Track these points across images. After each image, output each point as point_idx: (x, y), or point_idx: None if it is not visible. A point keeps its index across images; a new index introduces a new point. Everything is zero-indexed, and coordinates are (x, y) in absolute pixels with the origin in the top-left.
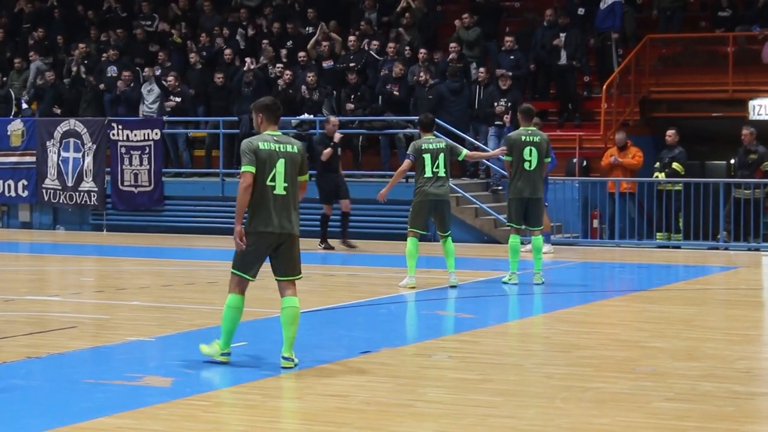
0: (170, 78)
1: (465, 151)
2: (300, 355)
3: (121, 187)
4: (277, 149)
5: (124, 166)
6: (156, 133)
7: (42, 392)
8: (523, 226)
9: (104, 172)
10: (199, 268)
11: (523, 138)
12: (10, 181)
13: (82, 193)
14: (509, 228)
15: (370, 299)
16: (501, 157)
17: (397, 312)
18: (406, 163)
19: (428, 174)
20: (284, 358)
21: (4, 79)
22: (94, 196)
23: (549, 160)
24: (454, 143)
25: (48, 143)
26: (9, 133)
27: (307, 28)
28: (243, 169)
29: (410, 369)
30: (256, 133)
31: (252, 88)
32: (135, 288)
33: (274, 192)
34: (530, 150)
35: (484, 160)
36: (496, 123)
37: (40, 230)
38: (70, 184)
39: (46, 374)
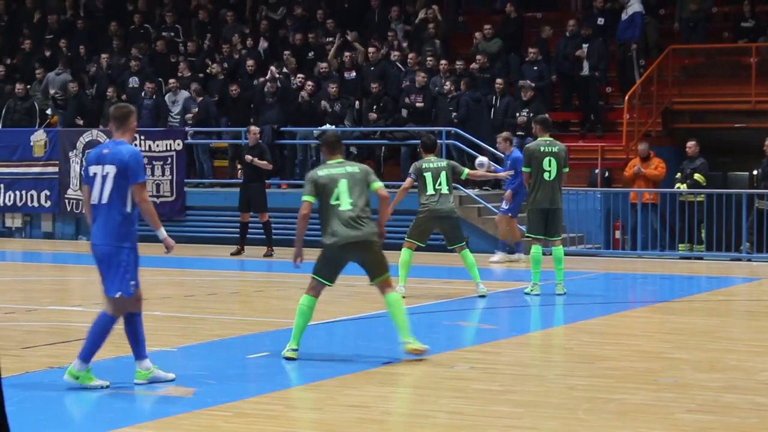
0: (193, 88)
1: (466, 170)
2: (321, 365)
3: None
4: (337, 172)
5: (146, 177)
6: (178, 144)
7: (64, 402)
8: (545, 237)
9: None
10: (221, 278)
11: (542, 149)
12: (33, 192)
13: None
14: (530, 239)
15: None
16: (521, 169)
17: (418, 323)
18: (408, 181)
19: (430, 191)
20: (404, 342)
21: (28, 86)
22: None
23: (567, 170)
24: (456, 163)
25: (71, 154)
26: (32, 143)
27: (328, 39)
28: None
29: (432, 380)
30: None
31: (276, 99)
32: (157, 298)
33: (340, 208)
34: (549, 160)
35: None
36: (517, 134)
37: (63, 240)
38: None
39: (68, 384)
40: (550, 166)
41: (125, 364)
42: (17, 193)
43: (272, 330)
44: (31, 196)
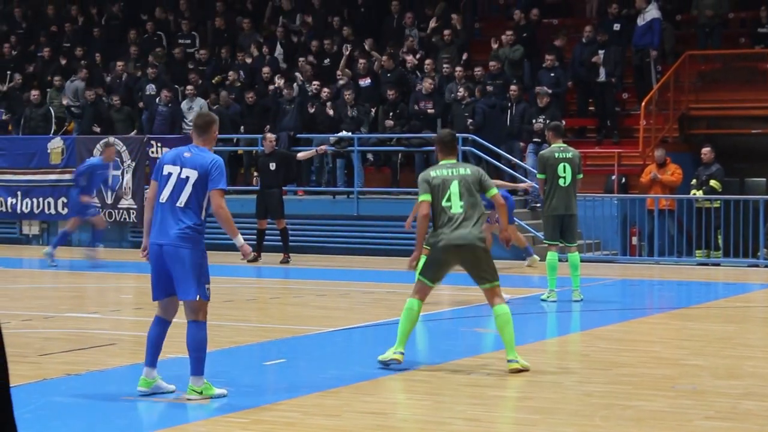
0: (212, 98)
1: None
2: (339, 372)
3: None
4: (450, 174)
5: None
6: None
7: (81, 409)
8: (561, 243)
9: (143, 189)
10: (238, 285)
11: (556, 155)
12: (50, 199)
13: (121, 211)
14: (547, 246)
15: None
16: (537, 175)
17: (435, 329)
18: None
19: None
20: (509, 360)
21: (47, 90)
22: (133, 213)
23: (581, 176)
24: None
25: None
26: (49, 150)
27: (345, 46)
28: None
29: (449, 387)
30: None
31: (294, 106)
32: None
33: (451, 211)
34: (564, 166)
35: (519, 176)
36: (534, 140)
37: (80, 247)
38: (109, 201)
39: (85, 391)
40: (564, 172)
41: (141, 372)
42: (34, 200)
43: (289, 337)
44: (48, 203)
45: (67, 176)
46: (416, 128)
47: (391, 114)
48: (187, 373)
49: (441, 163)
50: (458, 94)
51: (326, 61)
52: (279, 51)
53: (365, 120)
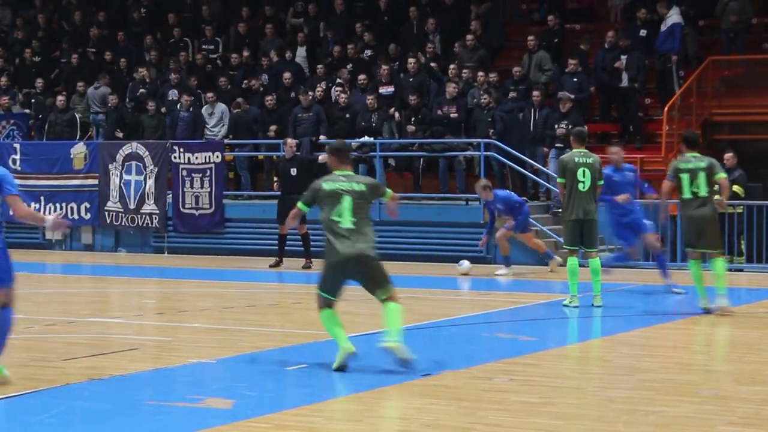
0: (235, 102)
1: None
2: (361, 377)
3: (182, 209)
4: (343, 187)
5: (185, 189)
6: (217, 156)
7: (104, 414)
8: (581, 248)
9: (165, 194)
10: (260, 290)
11: (576, 159)
12: (73, 204)
13: (143, 216)
14: (567, 251)
15: (430, 321)
16: (557, 180)
17: (457, 334)
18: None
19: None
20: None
21: (72, 95)
22: (155, 218)
23: (602, 182)
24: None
25: (110, 166)
26: (72, 156)
27: (366, 52)
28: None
29: (471, 392)
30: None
31: (312, 113)
32: (196, 310)
33: (341, 226)
34: (584, 171)
35: (541, 181)
36: (556, 145)
37: (103, 252)
38: (132, 206)
39: (108, 396)
40: (584, 177)
41: (163, 377)
42: (57, 205)
43: (311, 342)
44: (72, 208)
45: (90, 181)
46: (438, 133)
47: (413, 119)
48: (207, 376)
49: (335, 173)
50: (482, 99)
51: (349, 66)
52: (302, 56)
53: (386, 125)
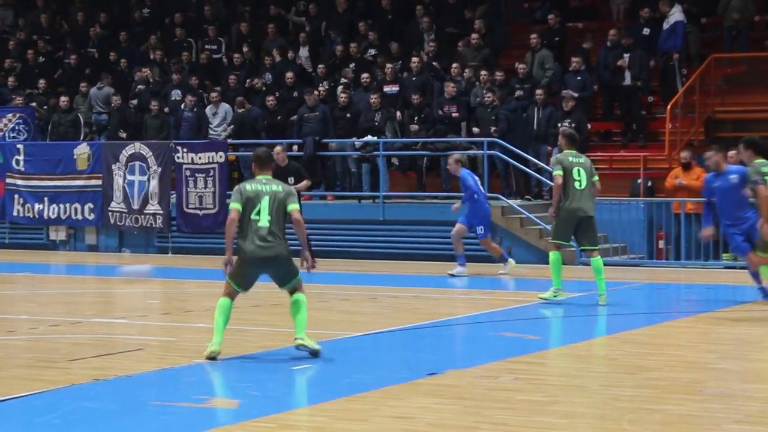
0: (238, 101)
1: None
2: (366, 376)
3: (185, 209)
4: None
5: (188, 189)
6: (220, 156)
7: (110, 415)
8: (572, 245)
9: (169, 194)
10: (264, 290)
11: (570, 159)
12: (77, 204)
13: (147, 216)
14: (553, 245)
15: (433, 321)
16: (552, 172)
17: (461, 334)
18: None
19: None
20: (297, 338)
21: (75, 96)
22: (159, 218)
23: (597, 179)
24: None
25: (114, 166)
26: (75, 156)
27: (369, 51)
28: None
29: (476, 391)
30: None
31: (318, 112)
32: (201, 310)
33: (258, 224)
34: (578, 170)
35: (545, 180)
36: (559, 144)
37: (107, 253)
38: (135, 206)
39: (113, 397)
40: (579, 176)
41: (168, 377)
42: (61, 206)
43: (316, 341)
44: (75, 209)
45: (94, 182)
46: (441, 132)
47: (416, 119)
48: (211, 376)
49: (257, 177)
50: (485, 98)
51: (351, 65)
52: (305, 55)
53: (390, 125)
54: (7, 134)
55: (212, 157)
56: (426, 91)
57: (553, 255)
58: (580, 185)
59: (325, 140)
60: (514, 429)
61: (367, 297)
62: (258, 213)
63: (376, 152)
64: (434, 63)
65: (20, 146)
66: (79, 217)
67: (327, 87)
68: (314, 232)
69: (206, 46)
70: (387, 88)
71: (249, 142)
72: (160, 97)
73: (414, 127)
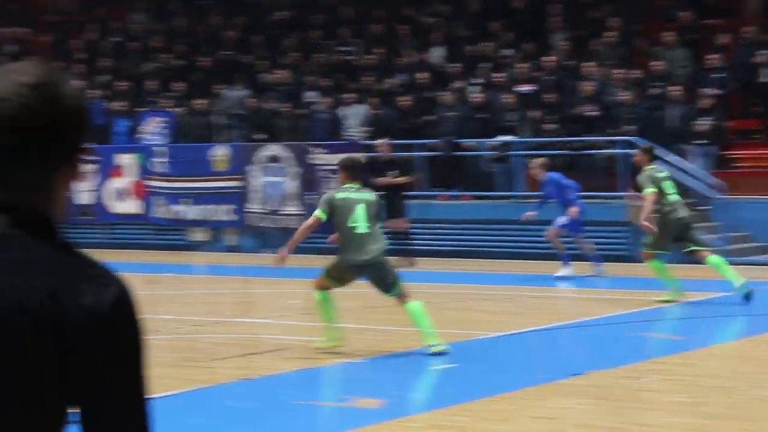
0: (370, 101)
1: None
2: (508, 376)
3: None
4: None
5: (325, 189)
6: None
7: (255, 414)
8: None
9: (305, 195)
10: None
11: (657, 174)
12: (216, 206)
13: (285, 216)
14: (650, 254)
15: (574, 321)
16: (646, 189)
17: (603, 334)
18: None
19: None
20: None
21: (210, 98)
22: (296, 218)
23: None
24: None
25: (251, 168)
26: (213, 158)
27: (503, 50)
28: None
29: (620, 391)
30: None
31: (456, 112)
32: (342, 310)
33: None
34: (668, 183)
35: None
36: (697, 142)
37: (247, 253)
38: (273, 207)
39: (258, 396)
40: (671, 189)
41: (311, 376)
42: (201, 207)
43: (458, 341)
44: (214, 210)
45: (232, 183)
46: (576, 131)
47: (551, 118)
48: (354, 376)
49: (345, 186)
50: (621, 96)
51: (486, 65)
52: (438, 55)
53: (525, 124)
54: (147, 137)
55: None
56: (561, 90)
57: (654, 263)
58: (674, 197)
59: (460, 140)
60: (659, 430)
61: (506, 297)
62: (354, 221)
63: (511, 152)
64: (569, 62)
65: (159, 148)
66: (219, 218)
67: (461, 87)
68: (449, 231)
69: (340, 48)
70: (521, 88)
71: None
72: (295, 99)
73: (549, 126)
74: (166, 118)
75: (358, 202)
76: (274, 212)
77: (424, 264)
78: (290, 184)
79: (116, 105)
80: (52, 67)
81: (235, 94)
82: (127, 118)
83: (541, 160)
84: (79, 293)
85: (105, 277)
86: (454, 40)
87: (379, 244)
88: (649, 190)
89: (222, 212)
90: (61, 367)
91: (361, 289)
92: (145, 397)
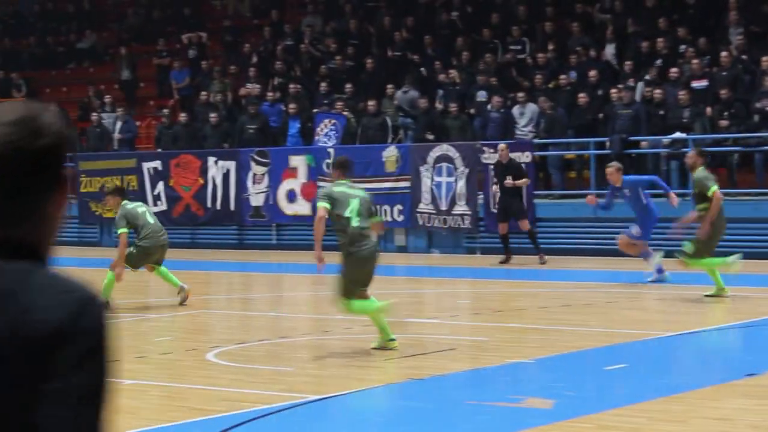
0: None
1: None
2: (683, 376)
3: (493, 210)
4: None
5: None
6: (527, 156)
7: (426, 413)
8: None
9: (476, 195)
10: (575, 290)
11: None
12: (386, 206)
13: (455, 217)
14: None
15: (753, 320)
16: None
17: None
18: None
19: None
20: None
21: (383, 99)
22: (467, 219)
23: None
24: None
25: (421, 168)
26: (384, 159)
27: (677, 46)
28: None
29: None
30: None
31: (631, 110)
32: (511, 310)
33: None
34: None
35: None
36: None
37: (416, 254)
38: (443, 207)
39: (429, 396)
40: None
41: (482, 376)
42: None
43: (630, 341)
44: (384, 210)
45: (402, 184)
46: (753, 127)
47: (725, 114)
48: (526, 376)
49: (339, 182)
50: None
51: (658, 62)
52: (610, 52)
53: (699, 121)
54: (319, 140)
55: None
56: (736, 86)
57: (707, 262)
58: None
59: (633, 138)
60: None
61: (680, 296)
62: (350, 213)
63: (685, 149)
64: (743, 56)
65: (330, 150)
66: (389, 218)
67: (633, 84)
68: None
69: (511, 47)
70: (695, 84)
71: (555, 141)
72: (466, 99)
73: (723, 122)
74: (338, 120)
75: (353, 197)
76: (444, 212)
77: (601, 263)
78: (460, 184)
79: (289, 107)
80: (31, 104)
81: (406, 94)
82: (300, 120)
83: (616, 164)
84: (40, 309)
85: (68, 291)
86: (626, 36)
87: (374, 238)
88: None
89: (392, 213)
90: (25, 380)
91: (532, 289)
92: (102, 404)
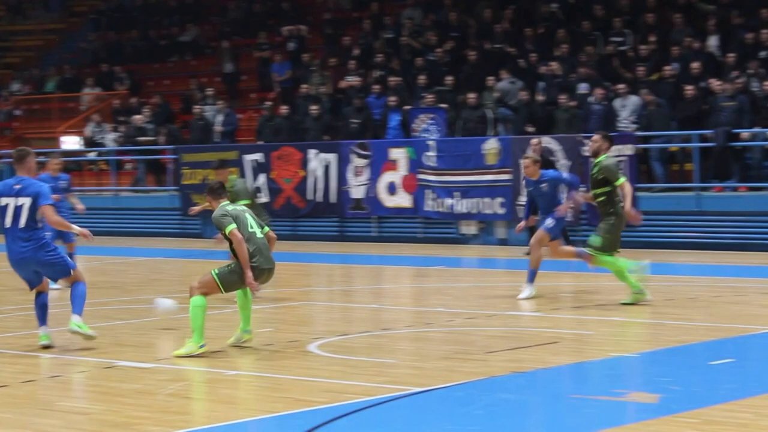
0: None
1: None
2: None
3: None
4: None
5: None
6: (629, 149)
7: (529, 407)
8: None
9: (579, 188)
10: (678, 283)
11: None
12: (487, 199)
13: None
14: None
15: None
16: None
17: None
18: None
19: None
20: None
21: (483, 91)
22: (570, 212)
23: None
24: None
25: (522, 161)
26: (484, 151)
27: None
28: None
29: None
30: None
31: (736, 102)
32: (614, 303)
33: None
34: None
35: None
36: None
37: (517, 247)
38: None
39: (531, 389)
40: None
41: (585, 370)
42: (472, 200)
43: (737, 336)
44: (486, 203)
45: (504, 176)
46: None
47: None
48: (629, 370)
49: (222, 204)
50: None
51: (762, 53)
52: (714, 44)
53: None
54: (419, 132)
55: (621, 150)
56: None
57: (614, 264)
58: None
59: (736, 130)
60: None
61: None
62: (251, 227)
63: None
64: None
65: (431, 143)
66: (490, 211)
67: (737, 76)
68: (725, 224)
69: (612, 39)
70: None
71: (657, 134)
72: (568, 91)
73: None
74: (436, 114)
75: (245, 212)
76: None
77: (704, 256)
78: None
79: (390, 100)
80: None
81: (506, 87)
82: (400, 112)
83: (533, 156)
84: None
85: None
86: (730, 27)
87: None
88: None
89: (493, 206)
90: None
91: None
92: None
